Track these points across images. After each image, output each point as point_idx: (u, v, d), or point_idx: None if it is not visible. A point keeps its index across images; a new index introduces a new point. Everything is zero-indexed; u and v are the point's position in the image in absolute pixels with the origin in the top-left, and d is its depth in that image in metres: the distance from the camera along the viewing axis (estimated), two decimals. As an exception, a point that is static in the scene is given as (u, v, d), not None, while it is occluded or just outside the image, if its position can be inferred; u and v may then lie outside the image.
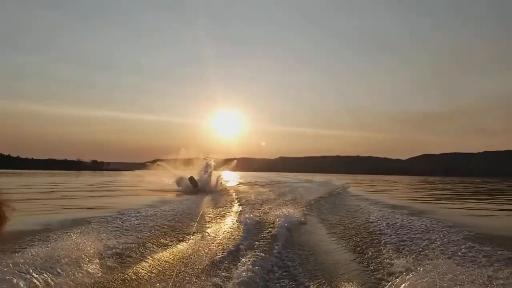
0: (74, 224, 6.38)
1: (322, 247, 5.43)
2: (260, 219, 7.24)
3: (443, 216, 8.83)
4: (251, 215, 7.57)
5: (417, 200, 15.76)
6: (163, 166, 24.12)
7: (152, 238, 5.50)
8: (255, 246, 5.06)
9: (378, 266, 4.24)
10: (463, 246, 5.02)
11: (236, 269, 4.00)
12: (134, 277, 3.75)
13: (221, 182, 19.35)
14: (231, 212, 9.17)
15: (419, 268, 3.86)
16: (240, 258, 4.44)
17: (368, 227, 6.91)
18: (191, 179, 17.49)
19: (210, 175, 18.90)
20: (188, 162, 23.00)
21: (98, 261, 4.03)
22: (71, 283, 3.33)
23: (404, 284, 3.46)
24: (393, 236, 5.87)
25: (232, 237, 5.82)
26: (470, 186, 33.42)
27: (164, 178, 20.95)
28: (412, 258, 4.41)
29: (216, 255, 4.70)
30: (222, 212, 9.22)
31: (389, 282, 3.66)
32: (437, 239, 5.58)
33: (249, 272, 3.74)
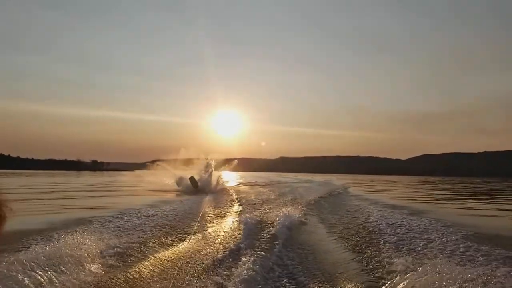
0: (76, 223, 6.44)
1: (321, 247, 5.48)
2: (260, 219, 7.29)
3: (443, 216, 8.87)
4: (251, 215, 7.63)
5: (416, 200, 15.81)
6: (163, 166, 24.16)
7: (153, 238, 5.56)
8: (256, 246, 5.12)
9: (377, 265, 4.29)
10: (461, 246, 5.07)
11: (237, 268, 4.06)
12: (136, 276, 3.80)
13: (221, 182, 19.38)
14: (232, 212, 9.23)
15: (418, 267, 3.89)
16: (241, 257, 4.50)
17: (367, 226, 6.96)
18: (192, 179, 17.53)
19: (210, 175, 18.93)
20: (188, 162, 23.04)
21: (100, 260, 4.09)
22: (74, 281, 3.38)
23: (403, 283, 3.51)
24: (393, 236, 5.92)
25: (233, 237, 5.88)
26: (469, 186, 33.47)
27: (164, 178, 20.99)
28: (411, 257, 4.45)
29: (217, 254, 4.76)
30: (223, 212, 9.27)
31: (388, 281, 3.71)
32: (436, 239, 5.63)
33: (249, 271, 3.80)
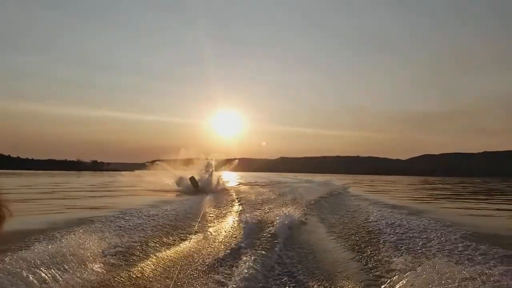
0: (77, 223, 6.49)
1: (321, 246, 5.52)
2: (260, 218, 7.34)
3: (442, 215, 8.92)
4: (251, 215, 7.69)
5: (416, 200, 15.86)
6: (163, 166, 24.18)
7: (155, 237, 5.61)
8: (256, 245, 5.18)
9: (377, 264, 4.34)
10: (460, 245, 5.12)
11: (238, 266, 4.11)
12: (139, 274, 3.85)
13: (222, 183, 19.41)
14: (232, 212, 9.28)
15: (417, 266, 3.93)
16: (242, 256, 4.56)
17: (367, 226, 7.00)
18: (192, 179, 17.54)
19: (211, 175, 18.95)
20: (188, 162, 23.07)
21: (103, 259, 4.14)
22: (77, 279, 3.43)
23: (402, 282, 3.55)
24: (392, 235, 5.96)
25: (234, 236, 5.93)
26: (469, 186, 33.52)
27: (164, 178, 21.02)
28: (411, 256, 4.50)
29: (218, 253, 4.82)
30: (223, 212, 9.32)
31: (387, 279, 3.75)
32: (435, 238, 5.67)
33: (250, 270, 3.86)
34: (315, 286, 3.66)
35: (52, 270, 3.35)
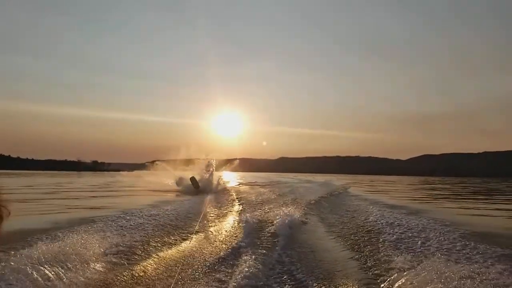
0: (79, 223, 6.54)
1: (321, 245, 5.57)
2: (261, 218, 7.40)
3: (441, 215, 8.97)
4: (252, 215, 7.74)
5: (416, 200, 15.90)
6: (163, 167, 24.22)
7: (156, 237, 5.66)
8: (257, 244, 5.24)
9: (376, 263, 4.38)
10: (458, 244, 5.16)
11: (239, 265, 4.16)
12: (141, 273, 3.90)
13: (222, 183, 19.44)
14: (233, 212, 9.34)
15: (416, 265, 3.99)
16: (242, 255, 4.61)
17: (366, 226, 7.05)
18: (193, 179, 17.54)
19: (211, 175, 18.97)
20: (188, 162, 23.11)
21: (105, 258, 4.19)
22: (80, 278, 3.48)
23: (401, 280, 3.59)
24: (391, 235, 6.00)
25: (234, 236, 5.99)
26: (469, 187, 33.55)
27: (164, 178, 21.06)
28: (410, 255, 4.54)
29: (219, 252, 4.88)
30: (224, 212, 9.38)
31: (386, 278, 3.79)
32: (434, 237, 5.71)
33: (251, 268, 3.91)
34: (315, 285, 3.70)
35: (56, 268, 3.40)
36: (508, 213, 11.29)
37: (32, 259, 3.39)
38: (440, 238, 5.68)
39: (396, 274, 3.80)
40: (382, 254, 4.75)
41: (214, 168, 19.70)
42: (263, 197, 13.30)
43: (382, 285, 3.62)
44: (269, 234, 5.92)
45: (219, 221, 7.86)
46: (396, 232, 6.19)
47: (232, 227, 6.95)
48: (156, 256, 4.61)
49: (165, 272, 4.02)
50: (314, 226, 7.49)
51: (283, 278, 3.88)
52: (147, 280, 3.75)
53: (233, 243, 5.38)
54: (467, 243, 5.21)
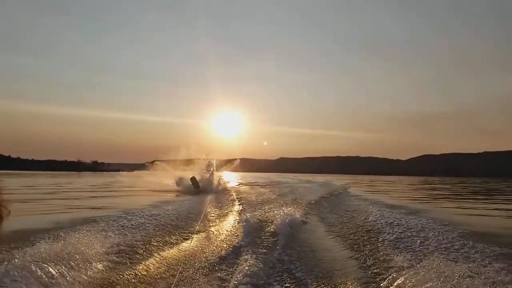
0: (81, 223, 6.58)
1: (321, 245, 5.62)
2: (261, 218, 7.44)
3: (440, 215, 9.01)
4: (252, 214, 7.79)
5: (415, 200, 15.94)
6: (163, 167, 24.24)
7: (157, 237, 5.71)
8: (257, 243, 5.30)
9: (375, 262, 4.43)
10: (457, 243, 5.21)
11: (240, 264, 4.22)
12: (143, 272, 3.95)
13: (223, 183, 19.46)
14: (233, 212, 9.39)
15: (415, 264, 4.03)
16: (243, 254, 4.67)
17: (366, 225, 7.09)
18: (193, 179, 17.55)
19: (212, 174, 19.00)
20: (188, 162, 23.14)
21: (107, 257, 4.24)
22: (84, 276, 3.53)
23: (400, 279, 3.63)
24: (390, 234, 6.04)
25: (235, 235, 6.05)
26: (469, 187, 33.59)
27: (164, 178, 21.08)
28: (409, 254, 4.58)
29: (220, 251, 4.93)
30: (225, 212, 9.43)
31: (385, 277, 3.83)
32: (433, 237, 5.76)
33: (252, 267, 3.96)
34: (314, 283, 3.76)
35: (59, 267, 3.45)
36: (507, 213, 11.34)
37: (36, 257, 3.44)
38: (439, 237, 5.73)
39: (395, 273, 3.84)
40: (381, 253, 4.80)
41: (214, 168, 19.71)
42: (263, 197, 13.35)
43: (381, 284, 3.66)
44: (269, 234, 5.98)
45: (219, 220, 7.91)
46: (396, 232, 6.23)
47: (232, 226, 7.01)
48: (158, 256, 4.66)
49: (167, 271, 4.07)
50: (314, 225, 7.54)
51: (283, 277, 3.93)
52: (149, 278, 3.80)
53: (234, 242, 5.44)
54: (466, 242, 5.26)
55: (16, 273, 2.99)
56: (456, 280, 3.39)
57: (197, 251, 5.00)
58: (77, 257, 3.86)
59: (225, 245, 5.32)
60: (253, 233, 6.05)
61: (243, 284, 3.47)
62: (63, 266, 3.50)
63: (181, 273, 3.93)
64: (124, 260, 4.27)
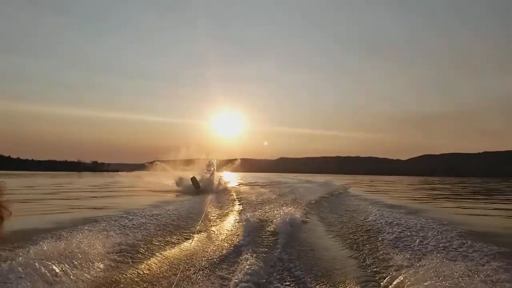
0: (82, 222, 6.62)
1: (320, 244, 5.67)
2: (261, 217, 7.49)
3: (440, 215, 9.06)
4: (253, 214, 7.84)
5: (415, 200, 15.98)
6: (162, 167, 24.26)
7: (159, 236, 5.76)
8: (258, 242, 5.36)
9: (374, 261, 4.48)
10: (455, 243, 5.26)
11: (240, 263, 4.27)
12: (146, 271, 4.00)
13: (223, 183, 19.49)
14: (234, 211, 9.44)
15: (414, 263, 4.08)
16: (244, 253, 4.72)
17: (365, 225, 7.14)
18: (193, 179, 17.56)
19: (212, 174, 19.02)
20: (188, 162, 23.16)
21: (110, 256, 4.28)
22: (87, 275, 3.58)
23: (399, 278, 3.68)
24: (390, 234, 6.09)
25: (236, 234, 6.10)
26: (469, 186, 33.63)
27: (163, 178, 21.10)
28: (408, 254, 4.63)
29: (221, 251, 4.99)
30: (225, 212, 9.48)
31: (384, 276, 3.88)
32: (432, 236, 5.80)
33: (252, 266, 4.02)
34: (314, 282, 3.81)
35: (62, 265, 3.50)
36: (507, 213, 11.38)
37: (39, 255, 3.50)
38: (438, 236, 5.78)
39: (394, 272, 3.89)
40: (380, 252, 4.85)
41: (215, 168, 19.73)
42: (264, 197, 13.40)
43: (380, 283, 3.71)
44: (270, 233, 6.04)
45: (220, 220, 7.96)
46: (395, 231, 6.28)
47: (233, 226, 7.06)
48: (160, 255, 4.71)
49: (169, 270, 4.11)
50: (314, 225, 7.59)
51: (283, 275, 3.99)
52: (151, 277, 3.85)
53: (234, 242, 5.49)
54: (464, 241, 5.31)
55: (20, 269, 3.05)
56: (454, 279, 3.44)
57: (198, 250, 5.05)
58: (80, 256, 3.91)
59: (226, 245, 5.37)
60: (253, 232, 6.10)
61: (244, 282, 3.53)
62: (66, 265, 3.55)
63: (183, 272, 3.98)
64: (126, 259, 4.32)
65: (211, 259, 4.58)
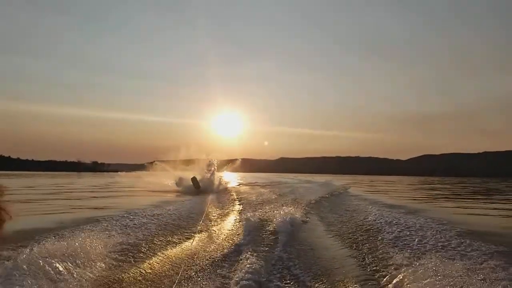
0: (84, 222, 6.67)
1: (320, 244, 5.72)
2: (262, 217, 7.54)
3: (439, 214, 9.10)
4: (253, 214, 7.89)
5: (415, 199, 16.02)
6: (162, 167, 24.26)
7: (160, 236, 5.81)
8: (258, 242, 5.42)
9: (373, 260, 4.53)
10: (454, 242, 5.31)
11: (241, 262, 4.33)
12: (148, 270, 4.06)
13: (224, 183, 19.52)
14: (234, 211, 9.49)
15: (413, 262, 4.13)
16: (244, 252, 4.78)
17: (365, 225, 7.19)
18: (194, 179, 17.58)
19: (213, 174, 19.04)
20: (188, 162, 23.18)
21: (112, 255, 4.34)
22: (89, 274, 3.62)
23: (399, 277, 3.73)
24: (389, 233, 6.14)
25: (237, 234, 6.16)
26: (468, 186, 33.66)
27: (163, 179, 21.11)
28: (407, 253, 4.68)
29: (222, 250, 5.05)
30: (226, 211, 9.53)
31: (383, 275, 3.92)
32: (431, 236, 5.85)
33: (253, 264, 4.08)
34: (313, 280, 3.86)
35: (66, 263, 3.55)
36: (506, 212, 11.42)
37: (43, 254, 3.56)
38: (437, 236, 5.82)
39: (394, 271, 3.94)
40: (380, 251, 4.89)
41: (215, 168, 19.75)
42: (264, 197, 13.45)
43: (380, 281, 3.75)
44: (270, 233, 6.10)
45: (221, 220, 8.02)
46: (394, 231, 6.32)
47: (234, 226, 7.12)
48: (161, 254, 4.76)
49: (171, 269, 4.16)
50: (314, 225, 7.63)
51: (283, 274, 4.04)
52: (153, 276, 3.90)
53: (235, 241, 5.55)
54: (463, 240, 5.36)
55: (25, 266, 3.11)
56: (453, 277, 3.49)
57: (200, 249, 5.10)
58: (83, 255, 3.96)
59: (226, 244, 5.43)
60: (254, 232, 6.15)
61: (245, 280, 3.58)
62: (69, 263, 3.60)
63: (185, 271, 4.03)
64: (128, 258, 4.37)
65: (212, 258, 4.63)
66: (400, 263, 4.16)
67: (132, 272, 3.91)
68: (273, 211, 8.50)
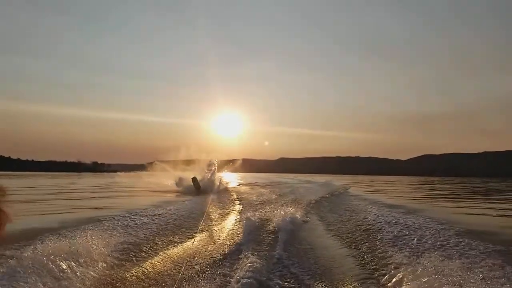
0: (86, 222, 6.72)
1: (320, 243, 5.78)
2: (262, 217, 7.60)
3: (438, 214, 9.15)
4: (253, 214, 7.95)
5: (414, 199, 16.07)
6: (162, 167, 24.29)
7: (161, 235, 5.87)
8: (258, 242, 5.48)
9: (373, 259, 4.58)
10: (452, 241, 5.37)
11: (242, 261, 4.38)
12: (150, 269, 4.12)
13: (224, 183, 19.54)
14: (235, 211, 9.54)
15: (412, 261, 4.18)
16: (245, 252, 4.82)
17: (365, 224, 7.24)
18: (194, 180, 17.60)
19: (213, 174, 19.07)
20: (188, 162, 23.20)
21: (114, 254, 4.39)
22: (92, 273, 3.67)
23: (398, 276, 3.77)
24: (389, 233, 6.19)
25: (237, 233, 6.21)
26: (468, 186, 33.72)
27: (163, 179, 21.15)
28: (406, 252, 4.73)
29: (223, 249, 5.10)
30: (226, 211, 9.59)
31: (382, 274, 3.97)
32: (430, 235, 5.91)
33: (253, 264, 4.13)
34: (313, 279, 3.91)
35: (69, 262, 3.61)
36: (505, 212, 11.48)
37: (46, 252, 3.61)
38: (436, 235, 5.88)
39: (393, 270, 3.99)
40: (379, 250, 4.95)
41: (216, 168, 19.77)
42: (264, 198, 13.50)
43: (379, 280, 3.81)
44: (270, 232, 6.15)
45: (222, 220, 8.07)
46: (394, 230, 6.37)
47: (234, 225, 7.17)
48: (163, 253, 4.81)
49: (173, 268, 4.21)
50: (314, 224, 7.69)
51: (283, 273, 4.09)
52: (155, 275, 3.95)
53: (236, 241, 5.60)
54: (461, 240, 5.42)
55: (29, 263, 3.16)
56: (451, 275, 3.54)
57: (201, 249, 5.15)
58: (85, 254, 4.01)
59: (227, 243, 5.48)
60: (254, 231, 6.20)
61: (246, 279, 3.62)
62: (72, 262, 3.66)
63: (186, 270, 4.08)
64: (130, 258, 4.43)
65: (213, 257, 4.69)
66: (399, 262, 4.21)
67: (134, 271, 3.96)
68: (273, 211, 8.55)
